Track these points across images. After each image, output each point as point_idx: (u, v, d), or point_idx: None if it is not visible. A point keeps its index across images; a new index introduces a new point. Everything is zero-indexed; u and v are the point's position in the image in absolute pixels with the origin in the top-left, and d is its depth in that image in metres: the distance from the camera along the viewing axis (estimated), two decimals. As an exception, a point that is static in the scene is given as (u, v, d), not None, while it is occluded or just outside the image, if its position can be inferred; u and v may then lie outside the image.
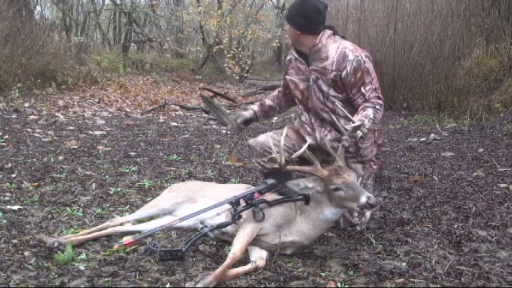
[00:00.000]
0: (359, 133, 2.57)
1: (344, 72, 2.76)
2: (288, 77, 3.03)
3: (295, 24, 2.86)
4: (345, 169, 2.39)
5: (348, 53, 2.77)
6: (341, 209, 2.39)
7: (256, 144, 2.97)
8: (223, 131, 7.08)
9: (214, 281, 2.04)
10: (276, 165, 2.45)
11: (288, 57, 3.11)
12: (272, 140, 2.65)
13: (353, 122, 2.50)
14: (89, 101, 9.71)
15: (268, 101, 3.25)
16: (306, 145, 2.50)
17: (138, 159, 4.75)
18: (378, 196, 3.58)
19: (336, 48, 2.80)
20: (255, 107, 3.27)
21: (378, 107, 2.72)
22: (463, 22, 8.15)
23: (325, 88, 2.83)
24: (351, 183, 2.31)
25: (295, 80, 2.97)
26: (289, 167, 2.44)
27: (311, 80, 2.87)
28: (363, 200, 2.25)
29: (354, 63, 2.74)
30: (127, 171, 4.23)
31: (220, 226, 2.45)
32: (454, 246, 2.59)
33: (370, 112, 2.67)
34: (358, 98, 2.78)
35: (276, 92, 3.25)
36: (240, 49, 17.81)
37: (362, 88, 2.75)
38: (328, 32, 2.86)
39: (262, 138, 2.96)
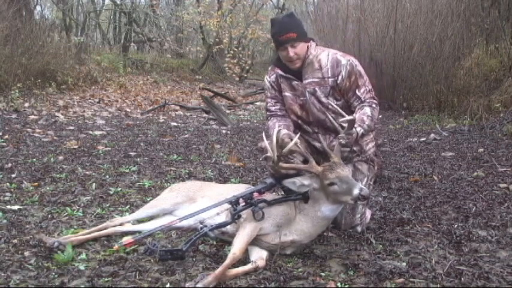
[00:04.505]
0: (360, 130, 2.59)
1: (340, 77, 2.80)
2: (284, 93, 2.95)
3: (306, 37, 2.82)
4: (339, 164, 2.40)
5: (340, 58, 2.83)
6: (338, 204, 2.39)
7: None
8: (223, 131, 7.08)
9: (214, 281, 2.04)
10: (273, 164, 2.44)
11: (270, 79, 2.98)
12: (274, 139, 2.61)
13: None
14: (89, 101, 9.72)
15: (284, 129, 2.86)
16: (295, 138, 2.48)
17: (138, 159, 4.75)
18: (378, 196, 3.59)
19: (326, 56, 2.84)
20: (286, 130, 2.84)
21: (373, 105, 2.80)
22: (463, 22, 8.16)
23: (323, 99, 2.84)
24: (345, 177, 2.32)
25: (291, 95, 2.93)
26: (283, 164, 2.43)
27: (307, 94, 2.86)
28: (356, 192, 2.26)
29: (348, 66, 2.79)
30: (127, 171, 4.23)
31: (220, 226, 2.44)
32: (454, 246, 2.59)
33: (367, 110, 2.75)
34: (354, 101, 2.84)
35: (276, 120, 2.94)
36: (240, 49, 17.81)
37: (357, 91, 2.81)
38: (313, 43, 2.89)
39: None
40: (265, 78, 3.05)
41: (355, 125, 2.56)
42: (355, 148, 2.84)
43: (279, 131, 2.78)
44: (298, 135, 2.62)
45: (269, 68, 3.07)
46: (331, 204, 2.37)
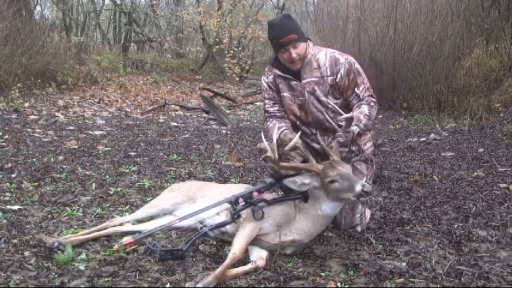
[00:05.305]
0: (356, 128, 2.59)
1: (339, 76, 2.80)
2: (282, 94, 2.94)
3: (304, 37, 2.83)
4: (339, 162, 2.40)
5: (338, 56, 2.83)
6: (338, 202, 2.39)
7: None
8: (223, 131, 7.08)
9: (214, 281, 2.04)
10: (273, 165, 2.43)
11: (267, 80, 2.97)
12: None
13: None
14: (89, 101, 9.72)
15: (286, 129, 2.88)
16: (297, 136, 2.48)
17: (138, 159, 4.75)
18: (378, 196, 3.58)
19: (324, 55, 2.85)
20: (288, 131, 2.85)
21: (372, 104, 2.79)
22: (463, 22, 8.16)
23: (323, 98, 2.84)
24: (345, 174, 2.32)
25: (290, 95, 2.93)
26: (283, 164, 2.42)
27: (306, 94, 2.86)
28: (358, 188, 2.25)
29: (346, 65, 2.80)
30: (127, 171, 4.23)
31: (219, 225, 2.44)
32: (454, 246, 2.58)
33: (365, 109, 2.74)
34: (353, 99, 2.84)
35: (276, 121, 2.92)
36: (240, 49, 17.81)
37: (356, 89, 2.81)
38: (310, 42, 2.89)
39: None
40: (263, 79, 3.03)
41: (352, 124, 2.56)
42: (353, 148, 2.84)
43: (279, 130, 2.78)
44: (299, 133, 2.62)
45: (266, 69, 3.06)
46: (332, 202, 2.37)
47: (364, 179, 2.85)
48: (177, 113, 9.62)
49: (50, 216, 2.97)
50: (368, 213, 2.95)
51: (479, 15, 8.42)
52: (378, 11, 10.40)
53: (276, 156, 2.37)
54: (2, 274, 2.13)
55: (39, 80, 9.06)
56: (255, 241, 2.39)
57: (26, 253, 2.36)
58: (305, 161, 2.53)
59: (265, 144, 2.44)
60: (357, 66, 2.85)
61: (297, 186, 2.40)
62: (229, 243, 2.39)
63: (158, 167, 4.45)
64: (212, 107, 8.45)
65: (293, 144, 2.41)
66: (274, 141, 2.44)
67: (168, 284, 2.10)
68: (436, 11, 8.61)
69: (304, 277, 2.20)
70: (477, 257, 2.41)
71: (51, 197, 3.33)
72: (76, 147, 5.20)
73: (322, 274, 2.24)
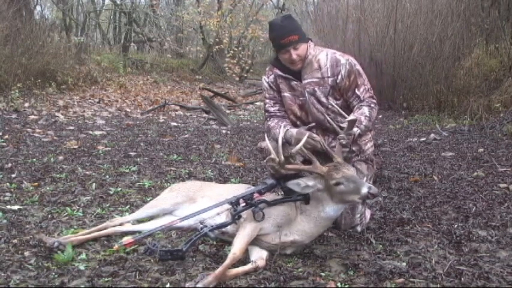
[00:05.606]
0: (356, 130, 2.59)
1: (339, 77, 2.81)
2: (283, 94, 2.95)
3: (306, 38, 2.82)
4: (343, 164, 2.40)
5: (339, 57, 2.84)
6: (342, 204, 2.39)
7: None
8: (223, 131, 7.08)
9: (214, 281, 2.04)
10: (275, 165, 2.42)
11: (268, 80, 2.98)
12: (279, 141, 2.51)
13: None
14: (89, 101, 9.72)
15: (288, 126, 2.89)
16: (305, 138, 2.48)
17: (138, 159, 4.75)
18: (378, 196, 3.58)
19: (325, 56, 2.85)
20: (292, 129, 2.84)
21: (372, 105, 2.80)
22: (463, 22, 8.16)
23: (323, 99, 2.84)
24: (351, 177, 2.32)
25: (290, 96, 2.93)
26: (288, 166, 2.42)
27: (307, 94, 2.86)
28: (364, 190, 2.25)
29: (347, 66, 2.81)
30: (127, 171, 4.23)
31: (220, 226, 2.44)
32: (454, 246, 2.59)
33: (365, 110, 2.75)
34: (353, 100, 2.85)
35: (277, 120, 2.94)
36: (240, 49, 17.81)
37: (356, 90, 2.82)
38: (311, 43, 2.89)
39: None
40: (263, 79, 3.03)
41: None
42: (354, 148, 2.84)
43: (286, 131, 2.77)
44: (308, 134, 2.60)
45: (267, 69, 3.06)
46: (336, 204, 2.37)
47: (365, 179, 2.86)
48: (177, 113, 9.62)
49: (50, 216, 2.97)
50: (368, 213, 2.95)
51: (479, 15, 8.41)
52: (378, 11, 10.39)
53: (282, 158, 2.36)
54: (2, 274, 2.13)
55: (39, 80, 9.06)
56: (255, 241, 2.39)
57: (26, 253, 2.36)
58: (306, 161, 2.53)
59: (266, 143, 2.44)
60: (358, 67, 2.85)
61: (301, 188, 2.38)
62: (230, 243, 2.39)
63: (158, 167, 4.45)
64: (212, 107, 8.45)
65: (301, 146, 2.40)
66: (280, 142, 2.42)
67: (168, 284, 2.10)
68: (436, 11, 8.60)
69: (304, 277, 2.20)
70: (477, 257, 2.41)
71: (51, 197, 3.33)
72: (76, 147, 5.20)
73: (322, 274, 2.24)
